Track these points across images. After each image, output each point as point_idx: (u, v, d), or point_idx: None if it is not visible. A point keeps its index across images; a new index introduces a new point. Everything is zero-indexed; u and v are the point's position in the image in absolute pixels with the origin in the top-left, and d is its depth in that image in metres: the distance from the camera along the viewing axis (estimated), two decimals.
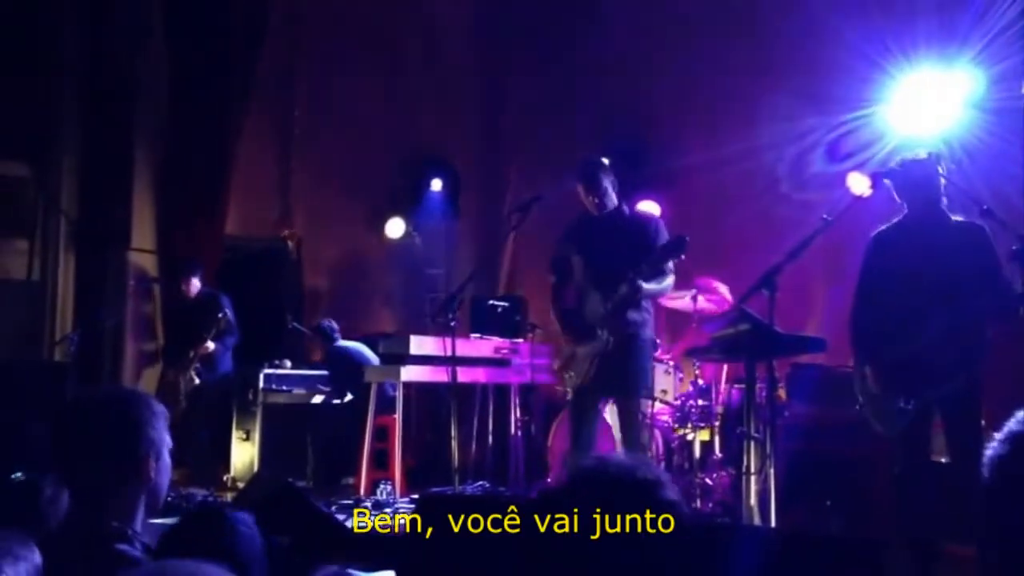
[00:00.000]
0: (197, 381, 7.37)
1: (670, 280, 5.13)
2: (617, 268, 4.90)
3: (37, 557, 1.44)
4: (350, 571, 4.33)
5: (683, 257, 4.94)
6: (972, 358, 4.02)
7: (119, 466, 2.07)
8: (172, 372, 7.49)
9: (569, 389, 5.18)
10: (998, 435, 1.36)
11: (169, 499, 5.94)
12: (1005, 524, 1.20)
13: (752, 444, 4.02)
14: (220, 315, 7.35)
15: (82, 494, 2.14)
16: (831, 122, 6.70)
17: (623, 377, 5.01)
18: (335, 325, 7.97)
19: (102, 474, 2.07)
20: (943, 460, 4.27)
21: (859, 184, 5.99)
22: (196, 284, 7.57)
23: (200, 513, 1.89)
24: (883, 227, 4.37)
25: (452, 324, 5.41)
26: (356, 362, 7.50)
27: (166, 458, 2.21)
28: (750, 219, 7.25)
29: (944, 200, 4.25)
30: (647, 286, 4.89)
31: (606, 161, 5.33)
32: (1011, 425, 1.31)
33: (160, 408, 2.17)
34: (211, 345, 7.40)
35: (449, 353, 5.41)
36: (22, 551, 1.42)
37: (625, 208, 5.29)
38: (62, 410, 2.20)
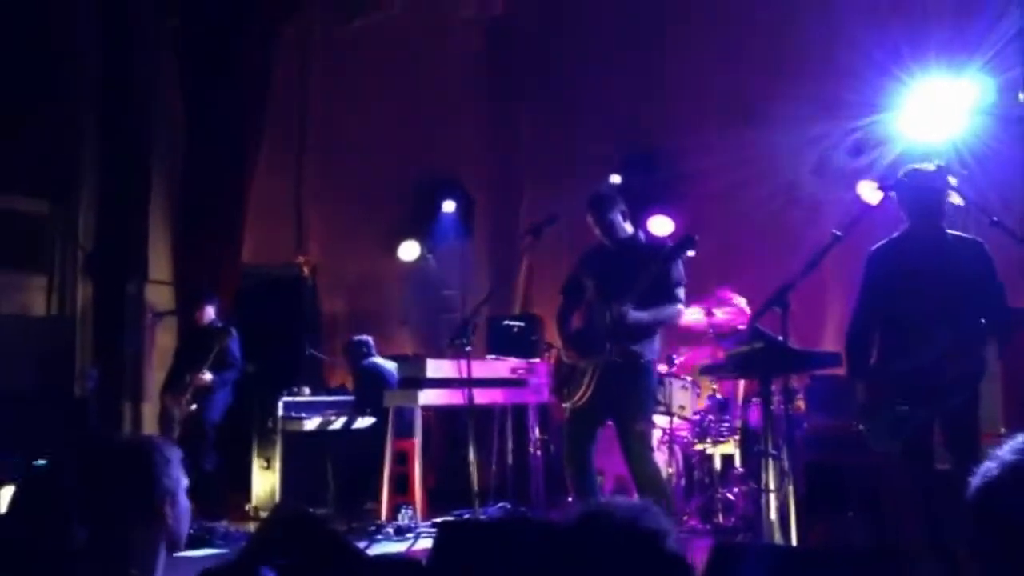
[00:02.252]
0: (192, 408, 7.21)
1: (675, 308, 5.09)
2: (626, 288, 4.92)
3: None
4: None
5: (691, 254, 4.92)
6: (972, 374, 4.00)
7: (135, 516, 2.09)
8: (169, 398, 7.35)
9: (566, 407, 5.17)
10: (995, 454, 1.35)
11: (191, 531, 5.99)
12: (989, 547, 1.22)
13: (770, 461, 4.00)
14: (221, 346, 7.20)
15: (101, 543, 2.16)
16: (843, 127, 6.70)
17: (621, 399, 5.00)
18: (369, 340, 8.00)
19: (119, 524, 2.09)
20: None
21: (869, 192, 5.99)
22: (210, 313, 7.51)
23: (228, 568, 1.89)
24: (882, 242, 4.36)
25: (468, 348, 5.43)
26: (385, 382, 7.51)
27: (183, 501, 2.23)
28: (763, 229, 7.24)
29: (944, 215, 4.23)
30: (634, 315, 4.89)
31: (615, 180, 5.37)
32: (1006, 452, 1.31)
33: (174, 452, 2.19)
34: (207, 376, 7.22)
35: (466, 375, 5.42)
36: None
37: (641, 235, 5.33)
38: (76, 462, 2.22)
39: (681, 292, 5.09)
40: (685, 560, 1.52)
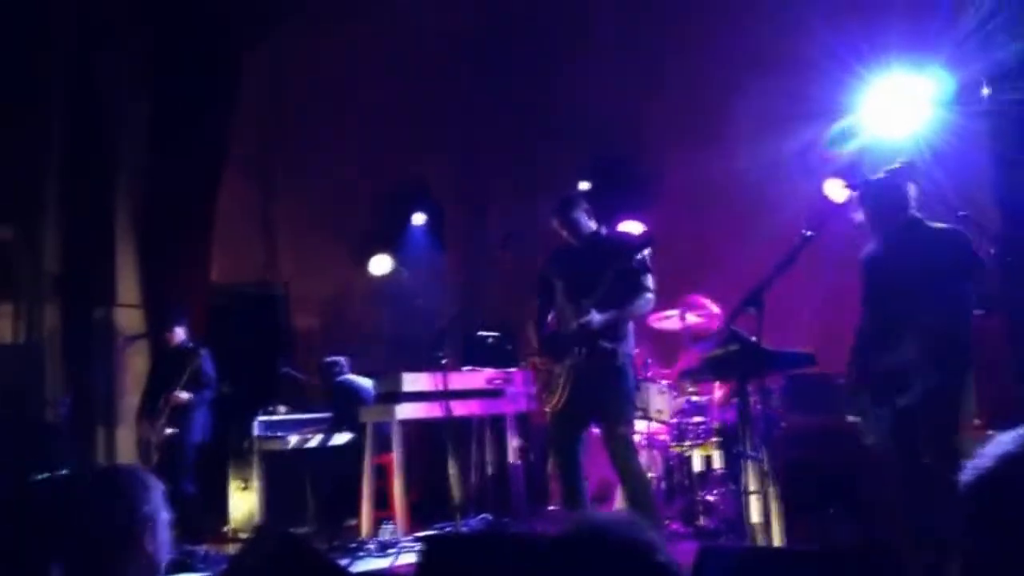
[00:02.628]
0: (168, 432, 7.11)
1: (644, 298, 5.10)
2: (592, 285, 4.94)
3: None
4: None
5: (647, 252, 4.93)
6: (944, 358, 4.02)
7: (113, 546, 2.06)
8: (144, 424, 7.25)
9: (548, 411, 5.18)
10: (986, 447, 1.35)
11: (172, 557, 5.92)
12: (982, 542, 1.22)
13: (750, 463, 4.02)
14: (193, 366, 7.12)
15: (81, 571, 2.13)
16: (809, 125, 6.75)
17: (600, 401, 5.01)
18: (341, 360, 7.97)
19: (96, 556, 2.06)
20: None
21: (835, 190, 6.04)
22: (180, 334, 7.44)
23: None
24: (868, 247, 4.39)
25: (443, 360, 5.42)
26: (360, 399, 7.48)
27: (163, 531, 2.20)
28: (735, 232, 7.28)
29: (913, 209, 4.27)
30: (599, 318, 4.91)
31: (582, 188, 5.39)
32: (1002, 444, 1.30)
33: (152, 481, 2.17)
34: (183, 395, 7.13)
35: (442, 388, 5.41)
36: None
37: (603, 230, 5.37)
38: (55, 489, 2.20)
39: (649, 280, 5.09)
40: (677, 572, 1.52)
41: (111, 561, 2.11)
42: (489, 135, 9.70)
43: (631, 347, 5.19)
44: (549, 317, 5.40)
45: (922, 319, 4.01)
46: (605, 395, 4.99)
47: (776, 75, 7.00)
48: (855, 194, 4.38)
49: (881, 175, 4.27)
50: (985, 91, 5.43)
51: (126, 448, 7.63)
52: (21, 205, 7.97)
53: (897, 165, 4.30)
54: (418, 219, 9.17)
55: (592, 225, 5.31)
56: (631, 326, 5.21)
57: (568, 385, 5.00)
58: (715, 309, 6.39)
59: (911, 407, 4.04)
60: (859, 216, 4.31)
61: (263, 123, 8.99)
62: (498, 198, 9.54)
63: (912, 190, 4.31)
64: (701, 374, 5.13)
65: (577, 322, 4.94)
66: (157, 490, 2.19)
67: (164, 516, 2.21)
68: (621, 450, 5.01)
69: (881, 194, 4.24)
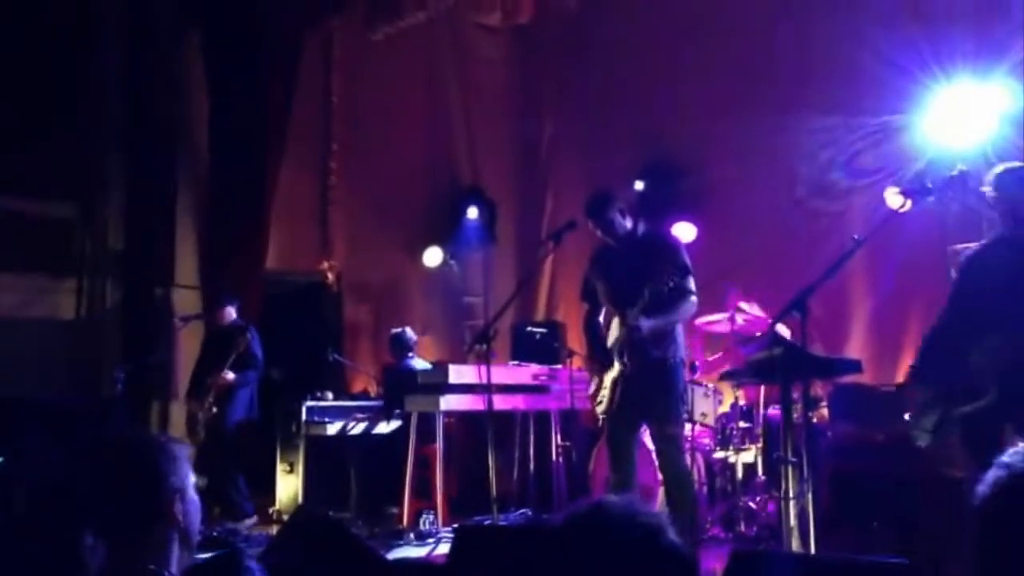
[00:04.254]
0: (214, 411, 7.19)
1: (689, 301, 5.04)
2: (633, 291, 4.88)
3: None
4: None
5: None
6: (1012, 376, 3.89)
7: (145, 513, 2.11)
8: (192, 402, 7.36)
9: (600, 416, 5.17)
10: (1001, 460, 1.29)
11: (215, 534, 6.04)
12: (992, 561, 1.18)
13: (790, 468, 3.97)
14: (241, 346, 7.18)
15: (115, 540, 2.18)
16: (867, 134, 6.66)
17: (651, 403, 4.97)
18: (414, 339, 7.95)
19: (129, 521, 2.11)
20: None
21: (895, 199, 5.93)
22: (231, 314, 7.52)
23: (215, 559, 1.91)
24: (975, 246, 4.21)
25: (488, 352, 5.43)
26: (415, 383, 7.48)
27: (193, 498, 2.24)
28: (784, 237, 7.21)
29: None
30: (648, 323, 4.85)
31: (638, 187, 5.32)
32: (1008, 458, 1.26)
33: (181, 449, 2.21)
34: (230, 375, 7.21)
35: (486, 381, 5.43)
36: None
37: (639, 229, 5.23)
38: (86, 460, 2.25)
39: (691, 282, 5.01)
40: (683, 554, 1.52)
41: (142, 531, 2.16)
42: (544, 133, 9.72)
43: (681, 352, 5.13)
44: (601, 318, 5.36)
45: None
46: (656, 396, 4.97)
47: (836, 81, 6.92)
48: (930, 199, 4.22)
49: (1010, 170, 4.08)
50: None
51: (179, 424, 7.80)
52: (84, 183, 8.18)
53: (1014, 168, 4.11)
54: (472, 214, 9.21)
55: (628, 224, 5.17)
56: (680, 330, 5.15)
57: (619, 392, 4.99)
58: (763, 315, 6.32)
59: (978, 414, 3.89)
60: (990, 192, 4.09)
61: (321, 112, 9.11)
62: (552, 196, 9.55)
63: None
64: (744, 377, 5.07)
65: (626, 326, 4.89)
66: (185, 460, 2.23)
67: (191, 484, 2.25)
68: (670, 451, 4.98)
69: (1012, 191, 4.01)
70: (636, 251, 5.08)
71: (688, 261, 5.00)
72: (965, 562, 1.27)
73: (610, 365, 5.04)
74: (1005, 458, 1.24)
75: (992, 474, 1.23)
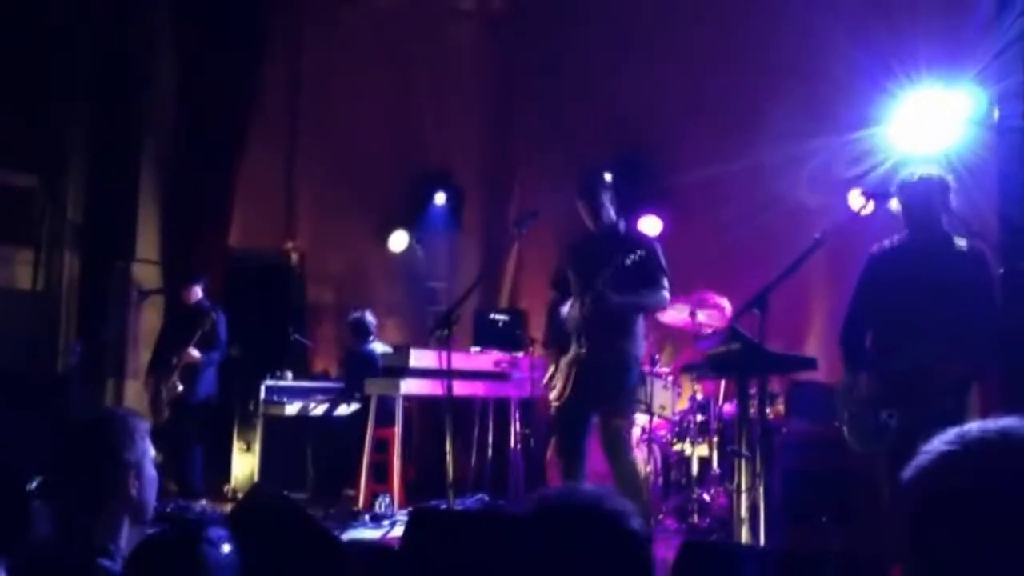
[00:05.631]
0: (179, 388, 7.17)
1: (660, 295, 5.07)
2: (595, 281, 4.90)
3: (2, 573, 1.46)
4: None
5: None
6: (961, 380, 4.01)
7: (98, 487, 2.10)
8: (153, 380, 7.32)
9: (553, 402, 5.19)
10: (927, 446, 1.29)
11: (168, 511, 6.00)
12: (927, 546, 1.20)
13: (743, 461, 4.03)
14: (207, 325, 7.16)
15: (65, 512, 2.17)
16: (834, 139, 6.72)
17: (601, 393, 5.00)
18: (374, 322, 7.92)
19: (82, 495, 2.10)
20: None
21: (859, 202, 6.00)
22: (197, 292, 7.48)
23: (173, 528, 1.91)
24: (884, 243, 4.36)
25: (448, 337, 5.43)
26: (376, 367, 7.46)
27: (149, 472, 2.23)
28: (751, 234, 7.27)
29: (945, 221, 4.22)
30: (616, 298, 4.87)
31: (607, 177, 5.33)
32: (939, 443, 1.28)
33: (139, 424, 2.20)
34: (195, 353, 7.19)
35: (446, 366, 5.43)
36: None
37: (621, 225, 5.26)
38: (44, 431, 2.24)
39: (665, 281, 5.05)
40: (649, 539, 1.54)
41: (94, 505, 2.15)
42: (515, 121, 9.72)
43: (639, 348, 5.16)
44: (565, 309, 5.37)
45: (942, 331, 3.96)
46: (606, 386, 5.00)
47: (804, 85, 6.97)
48: (891, 204, 4.31)
49: (925, 176, 4.19)
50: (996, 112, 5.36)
51: (134, 400, 7.73)
52: (46, 155, 8.06)
53: (931, 174, 4.22)
54: (439, 199, 9.19)
55: (613, 215, 5.20)
56: (641, 327, 5.17)
57: (572, 379, 5.01)
58: (727, 307, 6.38)
59: (920, 422, 4.00)
60: (894, 205, 4.22)
61: (289, 92, 9.04)
62: (519, 184, 9.55)
63: (949, 202, 4.24)
64: (702, 371, 5.12)
65: (589, 299, 4.87)
66: (143, 435, 2.23)
67: (149, 459, 2.24)
68: (613, 441, 5.02)
69: (920, 195, 4.14)
70: (611, 245, 5.08)
71: (664, 263, 5.02)
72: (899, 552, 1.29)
73: (566, 348, 5.06)
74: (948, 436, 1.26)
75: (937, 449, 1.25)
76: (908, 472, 1.25)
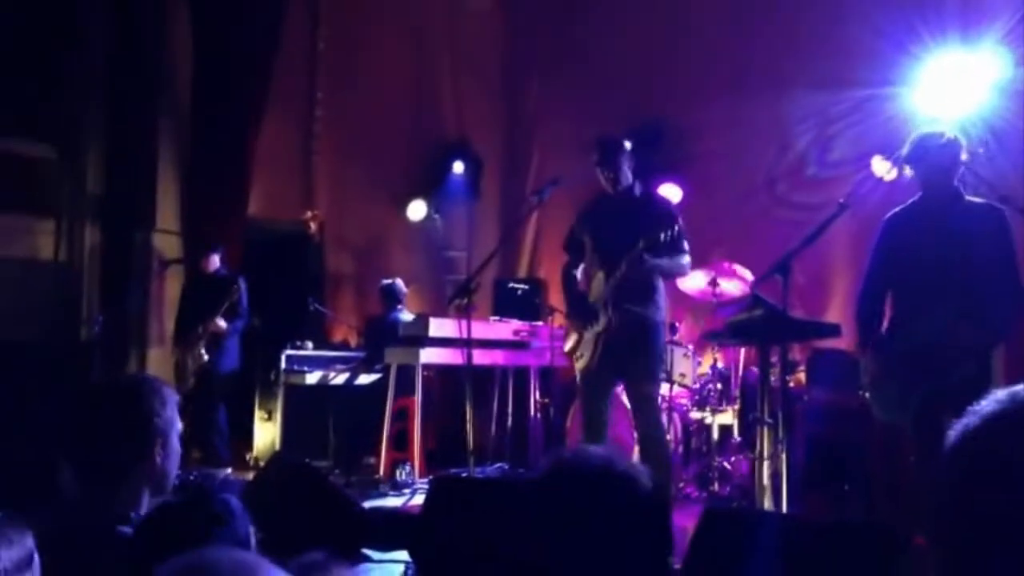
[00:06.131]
0: (205, 358, 7.21)
1: (684, 260, 5.05)
2: (621, 249, 4.87)
3: (30, 542, 1.46)
4: (363, 552, 4.39)
5: (679, 223, 4.87)
6: (982, 345, 3.95)
7: (124, 454, 2.11)
8: (180, 350, 7.36)
9: (578, 371, 5.17)
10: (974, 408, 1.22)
11: (191, 479, 6.05)
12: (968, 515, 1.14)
13: (765, 429, 4.01)
14: (235, 295, 7.19)
15: (88, 479, 2.17)
16: (857, 103, 6.64)
17: (631, 361, 4.96)
18: (404, 291, 7.95)
19: (107, 461, 2.10)
20: None
21: (882, 168, 5.93)
22: (215, 261, 7.49)
23: (188, 497, 1.91)
24: (896, 209, 4.29)
25: (469, 306, 5.42)
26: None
27: (174, 443, 2.23)
28: (770, 201, 7.21)
29: (958, 181, 4.15)
30: (651, 260, 4.84)
31: (627, 144, 5.29)
32: (988, 404, 1.21)
33: (169, 393, 2.20)
34: (221, 323, 7.21)
35: (466, 335, 5.43)
36: (16, 535, 1.44)
37: (637, 189, 5.21)
38: (68, 398, 2.24)
39: (686, 246, 5.02)
40: (665, 502, 1.54)
41: (120, 469, 2.15)
42: (533, 90, 9.65)
43: (663, 312, 5.13)
44: (579, 274, 5.33)
45: (960, 295, 3.91)
46: (635, 354, 4.97)
47: (824, 48, 6.88)
48: (907, 170, 4.23)
49: (936, 136, 4.12)
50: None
51: (157, 370, 7.77)
52: (63, 125, 8.06)
53: (945, 134, 4.15)
54: (458, 168, 9.16)
55: (630, 178, 5.15)
56: (664, 293, 5.15)
57: (599, 348, 4.98)
58: (748, 277, 6.33)
59: (942, 389, 3.96)
60: (907, 171, 4.15)
61: (308, 61, 9.00)
62: (538, 153, 9.50)
63: (961, 162, 4.17)
64: (724, 338, 5.09)
65: (629, 257, 4.82)
66: (174, 406, 2.22)
67: (176, 430, 2.24)
68: (646, 409, 4.99)
69: (933, 157, 4.05)
70: (631, 209, 5.05)
71: (681, 224, 4.99)
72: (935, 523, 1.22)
73: (593, 320, 5.03)
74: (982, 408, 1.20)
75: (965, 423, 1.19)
76: (953, 434, 1.17)
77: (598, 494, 1.50)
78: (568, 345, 5.29)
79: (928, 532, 1.24)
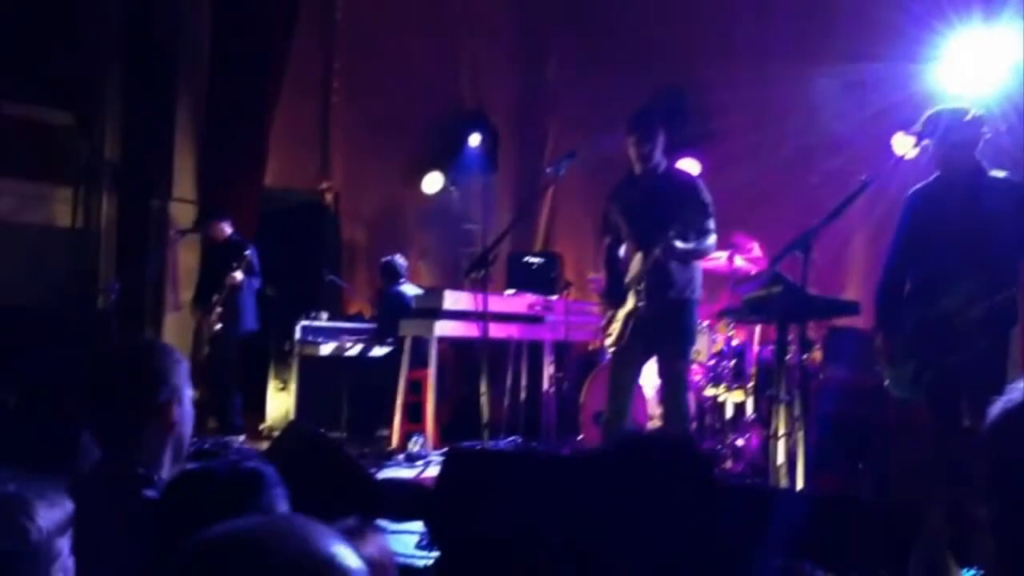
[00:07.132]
0: (218, 326, 7.26)
1: (711, 240, 5.05)
2: (654, 229, 4.86)
3: (69, 504, 1.46)
4: (378, 522, 4.41)
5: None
6: (998, 323, 3.91)
7: (141, 413, 2.11)
8: (198, 315, 7.41)
9: (608, 349, 5.18)
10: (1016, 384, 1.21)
11: (206, 447, 6.09)
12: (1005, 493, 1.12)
13: (781, 407, 3.99)
14: (245, 260, 7.22)
15: (108, 441, 2.18)
16: (879, 79, 6.56)
17: (665, 339, 4.98)
18: (404, 265, 7.97)
19: (125, 421, 2.11)
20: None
21: (903, 145, 5.86)
22: (225, 229, 7.52)
23: (220, 463, 1.88)
24: (918, 185, 4.25)
25: (485, 279, 5.40)
26: (409, 310, 7.47)
27: (188, 406, 2.24)
28: (790, 176, 7.15)
29: (979, 156, 4.10)
30: (682, 245, 4.85)
31: None
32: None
33: (181, 358, 2.20)
34: (239, 275, 7.20)
35: (481, 309, 5.41)
36: (56, 497, 1.45)
37: (663, 164, 5.16)
38: (86, 360, 2.24)
39: (712, 223, 5.02)
40: (713, 460, 1.54)
41: (138, 430, 2.16)
42: (550, 62, 9.58)
43: (699, 291, 5.13)
44: (622, 251, 5.29)
45: (979, 270, 3.87)
46: (669, 333, 4.98)
47: (846, 23, 6.80)
48: (926, 143, 4.18)
49: (954, 111, 4.07)
50: None
51: (172, 338, 7.80)
52: (81, 92, 8.05)
53: (964, 110, 4.11)
54: (474, 141, 9.12)
55: (662, 156, 5.11)
56: (699, 269, 5.14)
57: (631, 325, 4.98)
58: (764, 255, 6.30)
59: (958, 365, 3.93)
60: (926, 144, 4.10)
61: (325, 31, 8.96)
62: (555, 126, 9.45)
63: (984, 138, 4.12)
64: (743, 315, 5.07)
65: (650, 257, 4.85)
66: (183, 366, 2.23)
67: (189, 391, 2.25)
68: (675, 387, 5.01)
69: (953, 132, 4.02)
70: (660, 188, 5.02)
71: (709, 200, 4.96)
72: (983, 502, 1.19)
73: (623, 300, 5.03)
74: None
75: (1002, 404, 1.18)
76: (993, 412, 1.16)
77: (663, 462, 1.50)
78: (603, 321, 5.29)
79: (986, 514, 1.21)
